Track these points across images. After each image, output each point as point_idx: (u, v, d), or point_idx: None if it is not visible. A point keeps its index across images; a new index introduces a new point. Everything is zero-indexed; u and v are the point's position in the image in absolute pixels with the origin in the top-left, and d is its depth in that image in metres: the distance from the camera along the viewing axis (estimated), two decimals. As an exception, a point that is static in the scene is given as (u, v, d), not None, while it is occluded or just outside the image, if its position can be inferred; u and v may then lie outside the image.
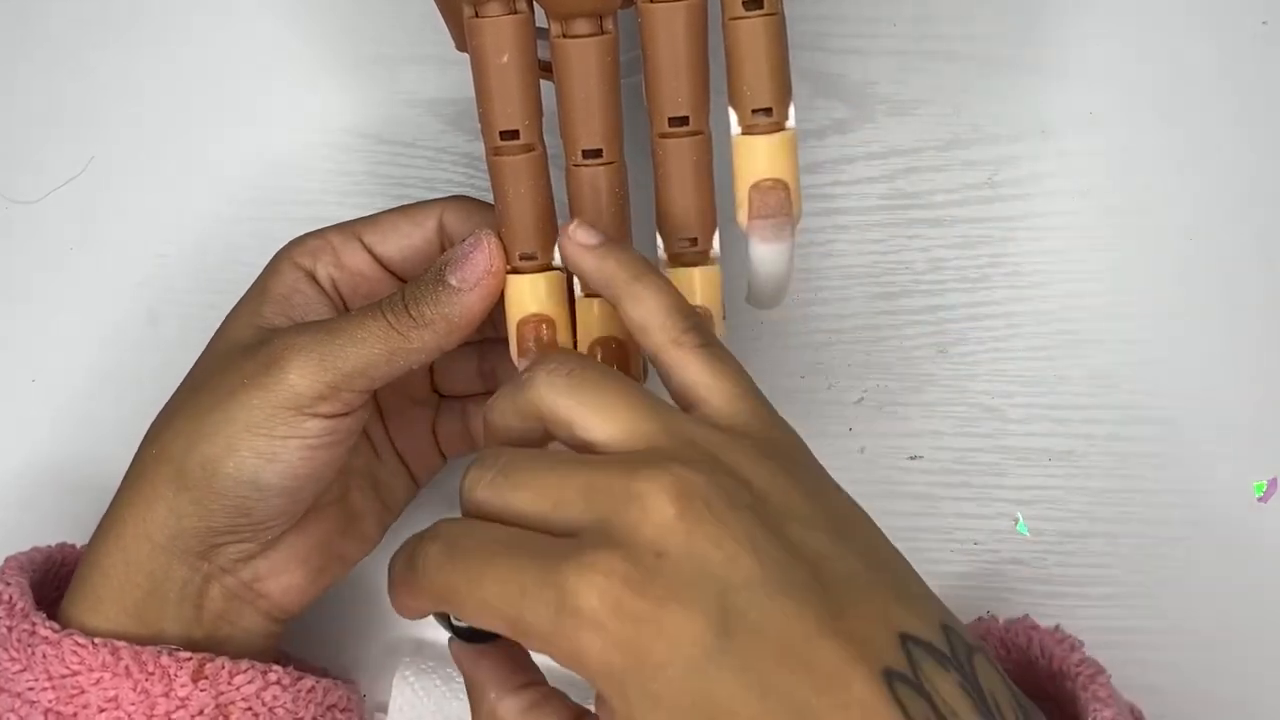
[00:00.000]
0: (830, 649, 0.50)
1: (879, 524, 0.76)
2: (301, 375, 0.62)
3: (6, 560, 0.69)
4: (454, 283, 0.62)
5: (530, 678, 0.57)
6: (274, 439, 0.63)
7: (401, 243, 0.69)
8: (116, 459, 0.76)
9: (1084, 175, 0.78)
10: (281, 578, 0.68)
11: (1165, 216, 0.77)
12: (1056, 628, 0.67)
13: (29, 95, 0.83)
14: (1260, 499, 0.75)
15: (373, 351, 0.62)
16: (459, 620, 0.57)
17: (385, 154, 0.81)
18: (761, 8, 0.60)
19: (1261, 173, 0.77)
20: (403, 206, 0.70)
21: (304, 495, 0.66)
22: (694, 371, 0.57)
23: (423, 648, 0.77)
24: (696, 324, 0.58)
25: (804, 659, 0.49)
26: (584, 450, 0.55)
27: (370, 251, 0.69)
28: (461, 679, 0.64)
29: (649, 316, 0.59)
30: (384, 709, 0.76)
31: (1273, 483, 0.75)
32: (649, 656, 0.49)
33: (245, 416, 0.63)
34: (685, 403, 0.58)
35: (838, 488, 0.58)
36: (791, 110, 0.61)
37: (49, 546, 0.72)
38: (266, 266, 0.69)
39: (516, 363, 0.65)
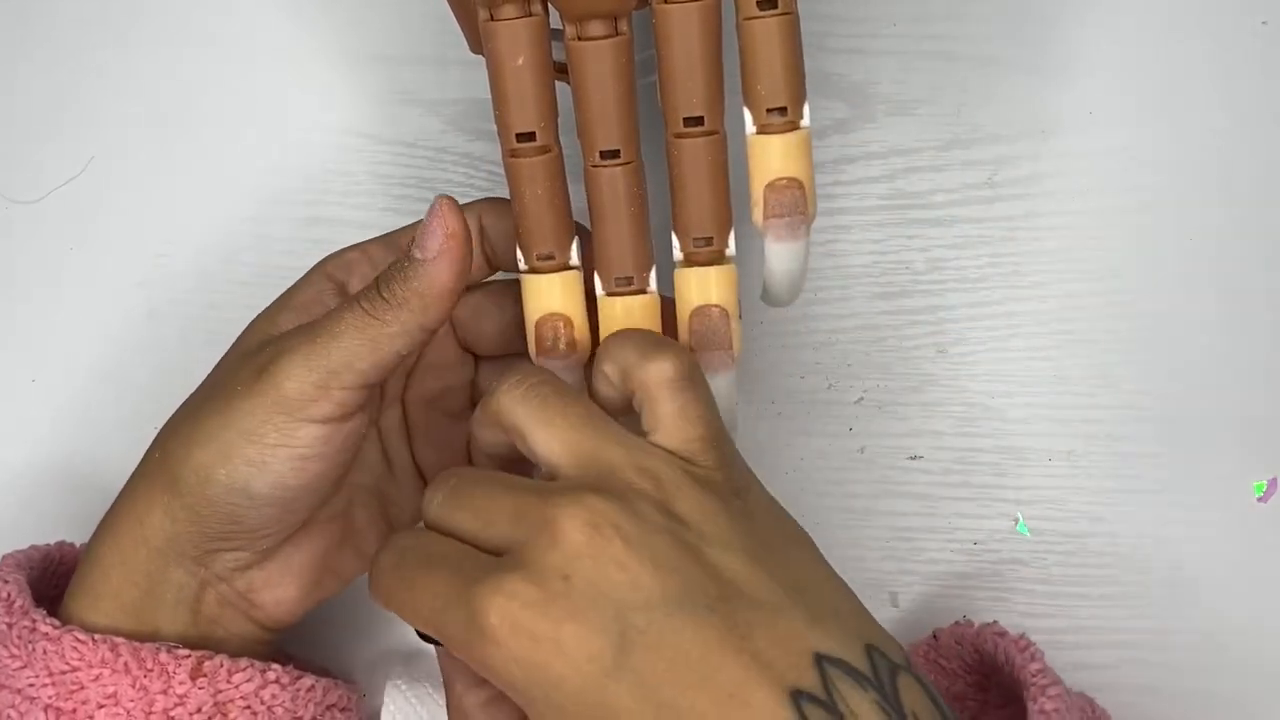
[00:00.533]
0: (731, 667, 0.52)
1: (879, 524, 0.77)
2: (289, 378, 0.62)
3: (4, 557, 0.69)
4: (418, 255, 0.62)
5: None
6: (265, 447, 0.62)
7: None
8: (116, 459, 0.76)
9: (1084, 175, 0.78)
10: (275, 590, 0.68)
11: (1165, 216, 0.77)
12: (1021, 635, 0.68)
13: (29, 95, 0.83)
14: (1260, 499, 0.76)
15: (353, 343, 0.62)
16: None
17: (385, 154, 0.81)
18: (776, 7, 0.60)
19: (1261, 173, 0.77)
20: None
21: (297, 507, 0.65)
22: (663, 404, 0.59)
23: (419, 652, 0.77)
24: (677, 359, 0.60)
25: (702, 676, 0.52)
26: (535, 462, 0.59)
27: None
28: None
29: (626, 356, 0.61)
30: (376, 716, 0.76)
31: (1273, 483, 0.75)
32: (547, 672, 0.52)
33: (239, 423, 0.63)
34: (646, 427, 0.60)
35: (779, 517, 0.60)
36: (806, 109, 0.61)
37: (47, 545, 0.72)
38: (302, 276, 0.69)
39: (535, 361, 0.65)
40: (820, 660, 0.52)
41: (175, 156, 0.82)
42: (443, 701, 0.74)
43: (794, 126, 0.61)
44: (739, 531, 0.56)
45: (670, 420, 0.58)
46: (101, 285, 0.81)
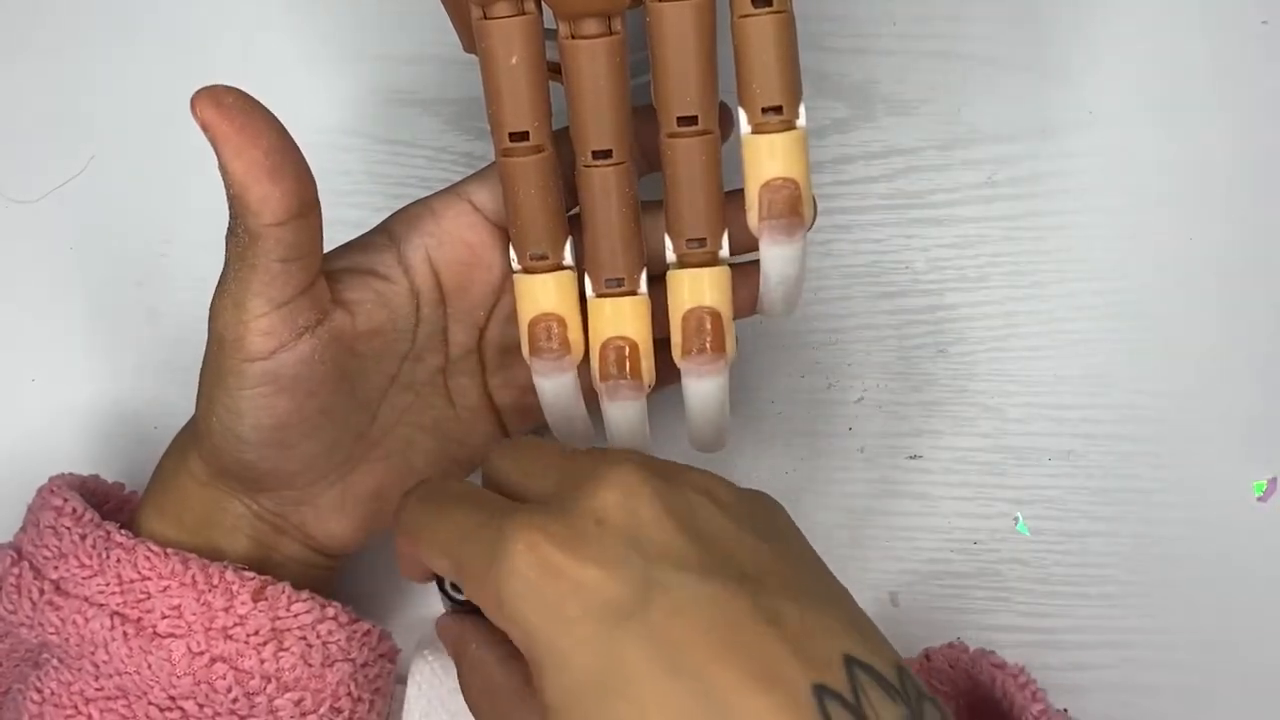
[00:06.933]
0: (761, 646, 0.50)
1: (879, 524, 0.76)
2: (214, 320, 0.62)
3: (51, 480, 0.70)
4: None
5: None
6: (230, 391, 0.63)
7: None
8: (116, 459, 0.76)
9: (1084, 175, 0.78)
10: (327, 524, 0.69)
11: (1165, 216, 0.77)
12: (1020, 670, 0.66)
13: (29, 95, 0.83)
14: (1260, 499, 0.75)
15: (233, 269, 0.61)
16: (454, 591, 0.60)
17: (384, 154, 0.81)
18: (771, 5, 0.59)
19: (1261, 173, 0.77)
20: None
21: (293, 442, 0.65)
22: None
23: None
24: None
25: (729, 648, 0.49)
26: None
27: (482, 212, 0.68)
28: None
29: None
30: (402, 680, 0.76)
31: (1273, 483, 0.75)
32: (561, 611, 0.51)
33: (210, 371, 0.64)
34: None
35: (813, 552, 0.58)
36: (802, 109, 0.61)
37: (81, 476, 0.73)
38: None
39: (529, 361, 0.65)
40: (850, 663, 0.50)
41: (175, 156, 0.82)
42: None
43: (790, 126, 0.60)
44: (778, 533, 0.56)
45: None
46: (101, 284, 0.82)
